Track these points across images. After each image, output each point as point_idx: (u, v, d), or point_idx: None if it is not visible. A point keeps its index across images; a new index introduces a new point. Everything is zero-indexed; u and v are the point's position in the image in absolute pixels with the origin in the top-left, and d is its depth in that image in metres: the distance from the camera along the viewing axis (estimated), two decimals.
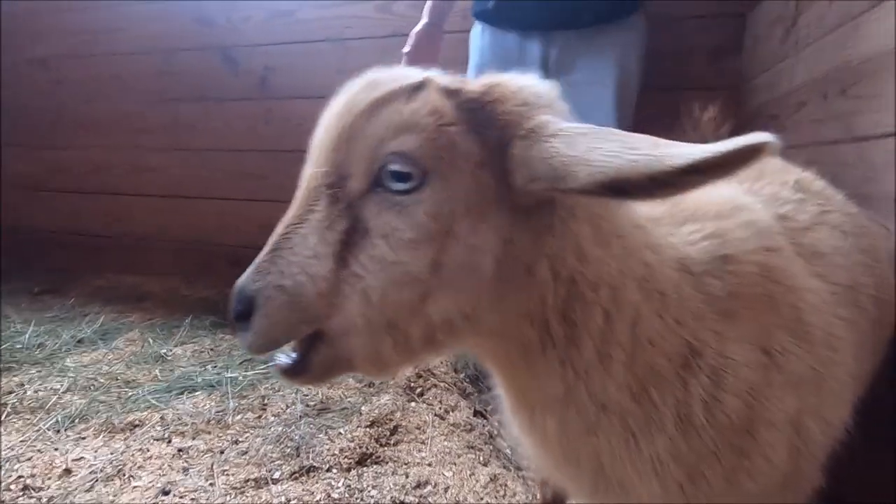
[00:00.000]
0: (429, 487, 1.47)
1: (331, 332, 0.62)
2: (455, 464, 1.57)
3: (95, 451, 1.59)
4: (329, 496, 1.42)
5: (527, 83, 0.65)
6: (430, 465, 1.57)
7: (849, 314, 0.82)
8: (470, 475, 1.51)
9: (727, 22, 2.28)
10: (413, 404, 1.87)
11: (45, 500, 1.38)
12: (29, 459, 1.53)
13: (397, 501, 1.42)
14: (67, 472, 1.50)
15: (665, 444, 0.66)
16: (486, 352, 0.73)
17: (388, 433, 1.71)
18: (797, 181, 0.97)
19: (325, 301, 0.60)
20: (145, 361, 2.24)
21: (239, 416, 1.80)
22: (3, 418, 1.77)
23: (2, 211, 3.76)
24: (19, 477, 1.44)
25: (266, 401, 1.89)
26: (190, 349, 2.36)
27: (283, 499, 1.40)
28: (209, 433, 1.72)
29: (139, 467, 1.53)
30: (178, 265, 3.36)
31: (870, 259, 0.95)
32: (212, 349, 2.36)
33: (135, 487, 1.45)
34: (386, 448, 1.65)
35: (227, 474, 1.51)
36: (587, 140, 0.54)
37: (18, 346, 2.33)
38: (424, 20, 1.95)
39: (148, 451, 1.60)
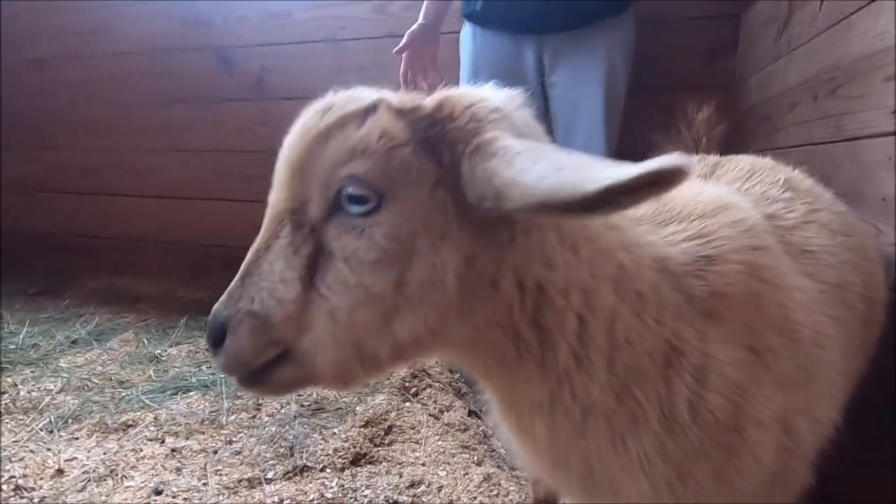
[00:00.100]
0: (422, 487, 1.47)
1: (298, 352, 0.63)
2: (449, 463, 1.57)
3: (88, 452, 1.59)
4: (323, 496, 1.42)
5: (480, 96, 0.64)
6: (423, 464, 1.57)
7: (837, 312, 0.83)
8: (464, 475, 1.51)
9: (722, 23, 2.29)
10: (408, 404, 1.87)
11: (36, 500, 1.38)
12: (21, 460, 1.53)
13: (391, 501, 1.41)
14: (60, 472, 1.49)
15: (651, 442, 0.67)
16: (465, 361, 0.73)
17: (383, 433, 1.71)
18: (786, 180, 0.98)
19: (293, 323, 0.62)
20: (140, 362, 2.24)
21: (233, 417, 1.80)
22: None
23: None
24: (11, 477, 1.43)
25: (260, 401, 1.89)
26: (185, 349, 2.35)
27: (276, 499, 1.40)
28: (203, 433, 1.72)
29: (132, 467, 1.53)
30: (174, 266, 3.36)
31: (858, 257, 0.95)
32: (206, 349, 2.36)
33: (127, 487, 1.44)
34: (380, 448, 1.65)
35: (221, 474, 1.50)
36: (521, 161, 0.54)
37: (12, 347, 2.32)
38: (420, 21, 1.96)
39: (141, 451, 1.60)
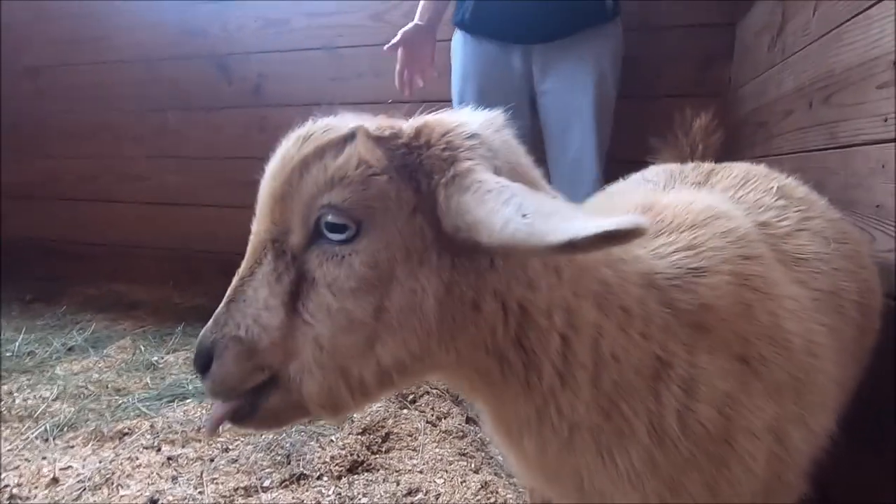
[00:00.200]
0: (420, 495, 1.47)
1: (285, 378, 0.64)
2: (447, 471, 1.56)
3: (84, 460, 1.58)
4: None
5: (457, 123, 0.65)
6: (421, 472, 1.56)
7: (830, 320, 0.83)
8: (461, 482, 1.51)
9: (717, 31, 2.30)
10: (405, 411, 1.87)
11: None
12: (16, 468, 1.52)
13: None
14: (55, 480, 1.48)
15: (641, 455, 0.67)
16: (452, 381, 0.74)
17: (380, 440, 1.71)
18: (780, 188, 0.98)
19: (278, 349, 0.63)
20: (136, 369, 2.23)
21: (229, 424, 1.79)
22: None
23: None
24: (6, 486, 1.43)
25: None
26: (181, 357, 2.35)
27: None
28: (199, 441, 1.71)
29: (128, 476, 1.52)
30: (171, 273, 3.35)
31: (853, 265, 0.95)
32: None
33: (123, 496, 1.44)
34: (377, 455, 1.64)
35: (217, 482, 1.50)
36: (491, 200, 0.55)
37: (8, 355, 2.32)
38: (416, 21, 1.97)
39: (137, 459, 1.59)
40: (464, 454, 1.65)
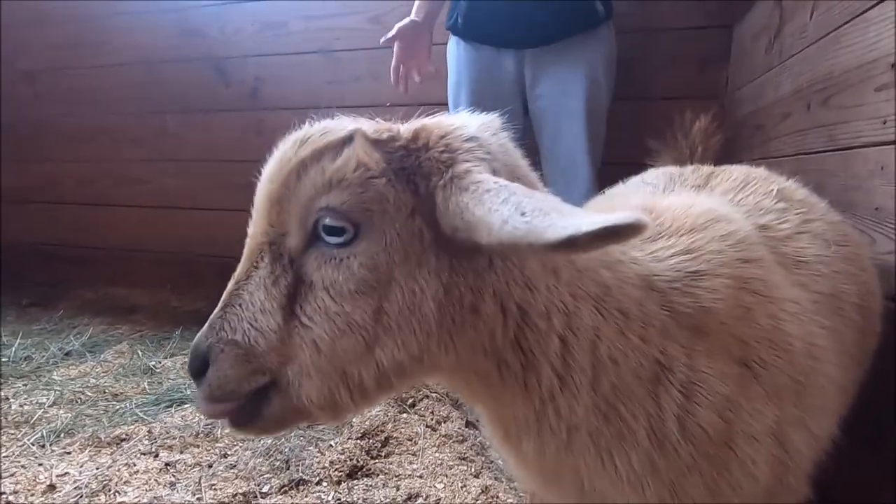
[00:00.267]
0: (420, 500, 1.46)
1: (284, 381, 0.63)
2: (447, 475, 1.55)
3: (81, 466, 1.57)
4: None
5: (454, 125, 0.65)
6: (421, 477, 1.55)
7: (831, 323, 0.82)
8: (461, 487, 1.50)
9: (714, 33, 2.31)
10: (405, 416, 1.86)
11: None
12: (12, 475, 1.51)
13: None
14: (52, 487, 1.47)
15: (640, 459, 0.66)
16: (450, 384, 0.74)
17: (380, 445, 1.70)
18: (780, 190, 0.98)
19: (277, 352, 0.63)
20: (134, 374, 2.22)
21: (228, 429, 1.78)
22: None
23: None
24: (2, 493, 1.41)
25: None
26: (179, 361, 2.34)
27: None
28: (197, 447, 1.70)
29: (125, 482, 1.51)
30: (169, 276, 3.35)
31: (853, 267, 0.95)
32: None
33: (120, 503, 1.43)
34: (377, 460, 1.64)
35: (215, 488, 1.49)
36: (490, 199, 0.55)
37: (4, 360, 2.30)
38: (412, 17, 1.97)
39: (134, 465, 1.58)
40: (464, 458, 1.64)
